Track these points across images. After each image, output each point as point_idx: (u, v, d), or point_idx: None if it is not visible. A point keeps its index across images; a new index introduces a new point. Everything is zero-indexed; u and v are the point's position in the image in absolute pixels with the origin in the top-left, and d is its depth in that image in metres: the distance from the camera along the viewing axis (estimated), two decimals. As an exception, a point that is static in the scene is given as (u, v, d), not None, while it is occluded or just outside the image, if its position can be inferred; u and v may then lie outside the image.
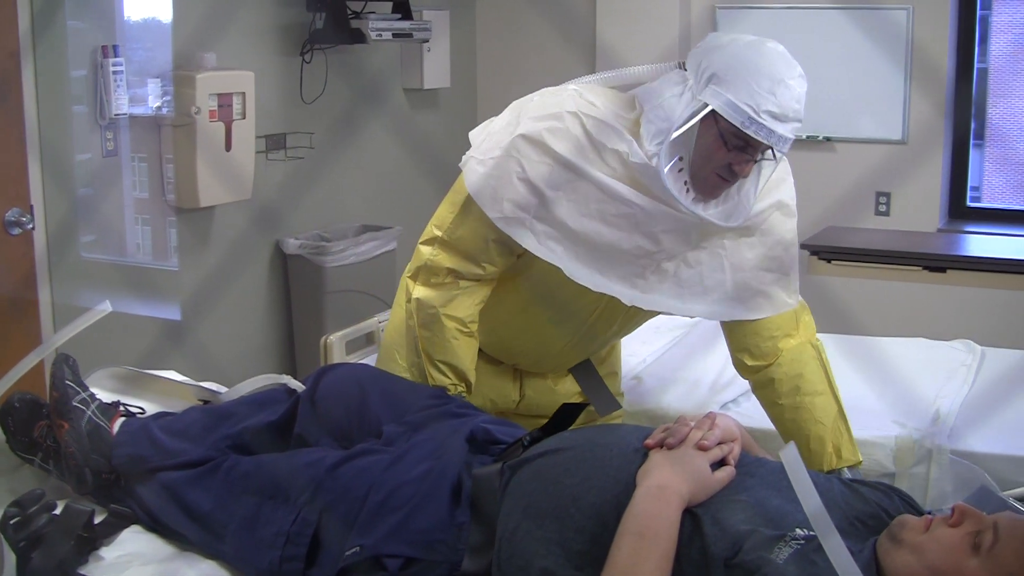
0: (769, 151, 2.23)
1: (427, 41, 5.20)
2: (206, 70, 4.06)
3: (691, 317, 3.01)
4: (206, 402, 2.39)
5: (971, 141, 5.34)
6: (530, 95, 2.45)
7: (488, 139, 2.40)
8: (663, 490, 1.67)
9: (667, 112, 2.24)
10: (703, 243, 2.39)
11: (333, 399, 2.17)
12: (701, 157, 2.24)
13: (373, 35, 4.74)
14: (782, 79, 2.17)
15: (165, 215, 4.18)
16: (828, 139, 5.31)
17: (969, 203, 5.39)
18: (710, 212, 2.29)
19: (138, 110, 3.97)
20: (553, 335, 2.63)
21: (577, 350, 2.73)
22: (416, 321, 2.44)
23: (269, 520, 1.91)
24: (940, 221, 5.26)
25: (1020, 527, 1.56)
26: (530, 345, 2.68)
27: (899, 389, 3.03)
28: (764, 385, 2.54)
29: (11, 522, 1.88)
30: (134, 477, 2.09)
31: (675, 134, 2.21)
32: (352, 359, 3.15)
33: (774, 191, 2.42)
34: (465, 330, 2.45)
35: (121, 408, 2.22)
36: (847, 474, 2.42)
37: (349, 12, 4.73)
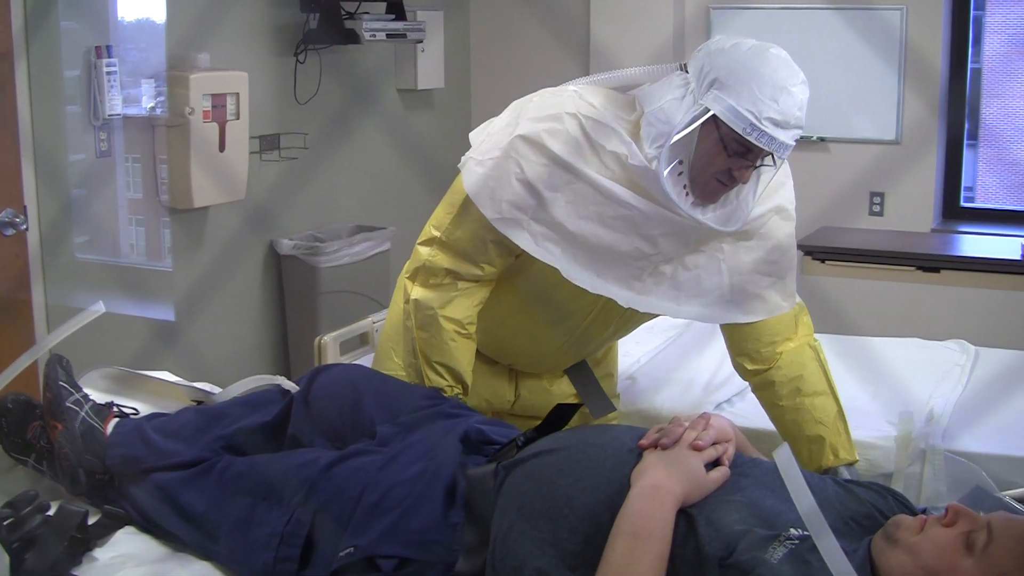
0: (769, 157, 2.22)
1: (421, 41, 5.20)
2: (200, 70, 4.05)
3: (686, 319, 3.00)
4: (200, 403, 2.39)
5: (965, 141, 5.34)
6: (530, 95, 2.44)
7: (487, 140, 2.40)
8: (657, 490, 1.67)
9: (668, 115, 2.23)
10: (701, 247, 2.38)
11: (327, 400, 2.16)
12: (701, 161, 2.22)
13: (367, 35, 4.74)
14: (784, 86, 2.15)
15: (159, 215, 4.18)
16: (822, 139, 5.32)
17: (963, 203, 5.40)
18: (708, 216, 2.28)
19: (132, 111, 3.96)
20: (549, 336, 2.63)
21: (573, 351, 2.72)
22: (414, 322, 2.44)
23: (263, 521, 1.90)
24: (934, 221, 5.26)
25: (1014, 527, 1.56)
26: (526, 346, 2.68)
27: (893, 389, 3.03)
28: (764, 387, 2.54)
29: (4, 523, 1.88)
30: (128, 478, 2.09)
31: (675, 138, 2.20)
32: (346, 360, 3.15)
33: (773, 195, 2.41)
34: (463, 332, 2.44)
35: (115, 409, 2.22)
36: (844, 472, 2.43)
37: (343, 12, 4.73)
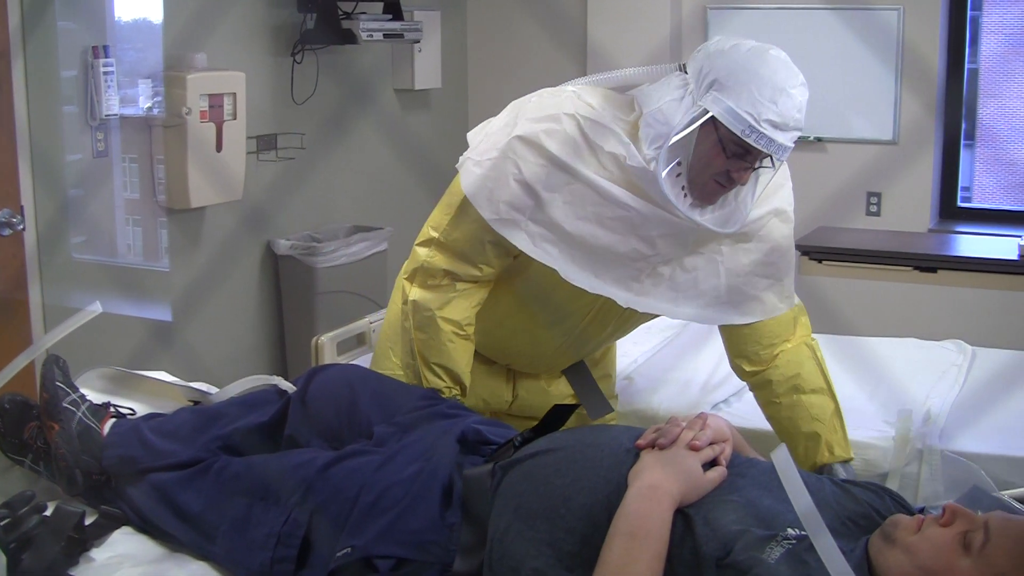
0: (768, 159, 2.21)
1: (418, 41, 5.20)
2: (197, 71, 4.05)
3: (683, 320, 3.00)
4: (197, 403, 2.39)
5: (962, 141, 5.35)
6: (528, 96, 2.43)
7: (485, 140, 2.39)
8: (654, 490, 1.67)
9: (666, 116, 2.22)
10: (700, 248, 2.38)
11: (324, 400, 2.16)
12: (699, 163, 2.22)
13: (364, 35, 4.74)
14: (784, 88, 2.15)
15: (156, 216, 4.17)
16: (819, 139, 5.32)
17: (960, 203, 5.40)
18: (706, 218, 2.27)
19: (129, 111, 3.96)
20: (547, 336, 2.62)
21: (571, 352, 2.72)
22: (412, 323, 2.43)
23: (260, 521, 1.90)
24: (931, 221, 5.26)
25: (1011, 526, 1.56)
26: (524, 346, 2.68)
27: (890, 389, 3.04)
28: (762, 386, 2.54)
29: (1, 524, 1.88)
30: (124, 478, 2.09)
31: (674, 139, 2.19)
32: (343, 360, 3.14)
33: (772, 197, 2.41)
34: (461, 333, 2.44)
35: (111, 409, 2.21)
36: (839, 469, 2.43)
37: (340, 12, 4.73)
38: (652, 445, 1.78)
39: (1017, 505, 2.00)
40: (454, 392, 2.44)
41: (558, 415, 2.03)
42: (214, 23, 4.26)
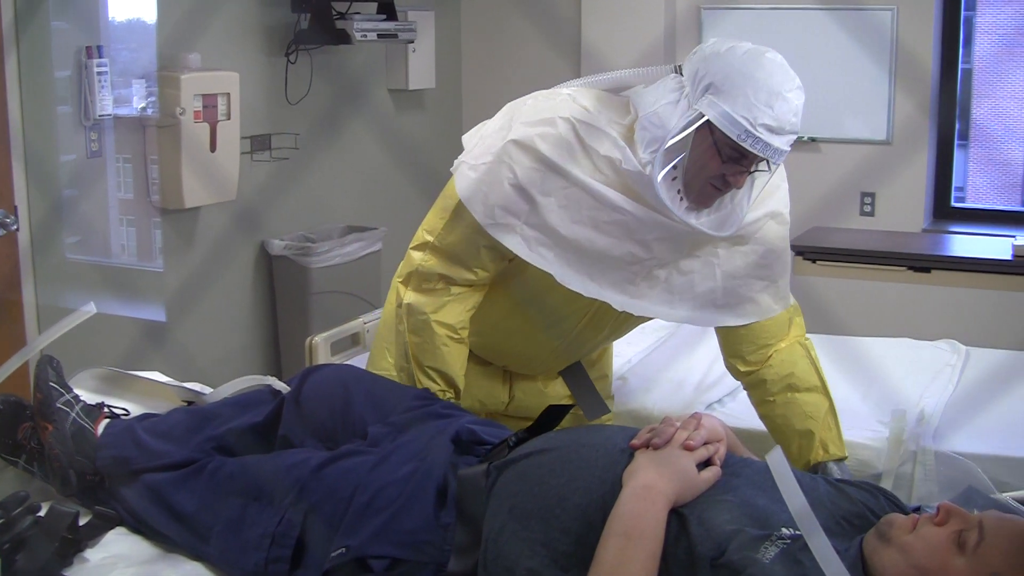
0: (764, 162, 2.21)
1: (412, 42, 5.20)
2: (191, 71, 4.05)
3: (679, 323, 3.00)
4: (190, 403, 2.38)
5: (955, 141, 5.36)
6: (524, 98, 2.42)
7: (480, 143, 2.38)
8: (649, 490, 1.67)
9: (662, 120, 2.21)
10: (696, 251, 2.38)
11: (318, 400, 2.16)
12: (695, 166, 2.21)
13: (358, 35, 4.73)
14: (780, 92, 2.14)
15: (150, 216, 4.17)
16: (813, 139, 5.32)
17: (953, 203, 5.41)
18: (702, 221, 2.27)
19: (122, 111, 3.96)
20: (543, 339, 2.62)
21: (567, 353, 2.72)
22: (406, 326, 2.43)
23: (254, 522, 1.90)
24: (924, 221, 5.27)
25: (1005, 526, 1.56)
26: (520, 348, 2.68)
27: (884, 389, 3.04)
28: (756, 386, 2.54)
29: (-5, 524, 1.88)
30: (118, 479, 2.08)
31: (669, 143, 2.19)
32: (337, 360, 3.14)
33: (768, 200, 2.40)
34: (455, 336, 2.43)
35: (105, 409, 2.21)
36: (834, 468, 2.43)
37: (334, 13, 4.72)
38: (646, 445, 1.78)
39: (1016, 505, 2.00)
40: (448, 395, 2.44)
41: (553, 415, 2.03)
42: (208, 23, 4.26)
